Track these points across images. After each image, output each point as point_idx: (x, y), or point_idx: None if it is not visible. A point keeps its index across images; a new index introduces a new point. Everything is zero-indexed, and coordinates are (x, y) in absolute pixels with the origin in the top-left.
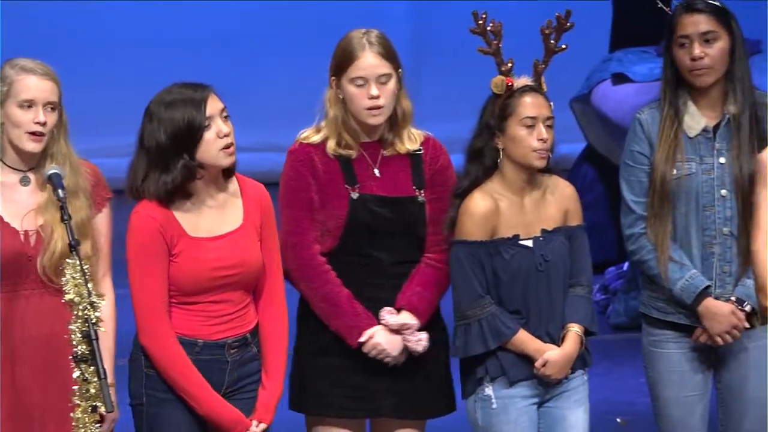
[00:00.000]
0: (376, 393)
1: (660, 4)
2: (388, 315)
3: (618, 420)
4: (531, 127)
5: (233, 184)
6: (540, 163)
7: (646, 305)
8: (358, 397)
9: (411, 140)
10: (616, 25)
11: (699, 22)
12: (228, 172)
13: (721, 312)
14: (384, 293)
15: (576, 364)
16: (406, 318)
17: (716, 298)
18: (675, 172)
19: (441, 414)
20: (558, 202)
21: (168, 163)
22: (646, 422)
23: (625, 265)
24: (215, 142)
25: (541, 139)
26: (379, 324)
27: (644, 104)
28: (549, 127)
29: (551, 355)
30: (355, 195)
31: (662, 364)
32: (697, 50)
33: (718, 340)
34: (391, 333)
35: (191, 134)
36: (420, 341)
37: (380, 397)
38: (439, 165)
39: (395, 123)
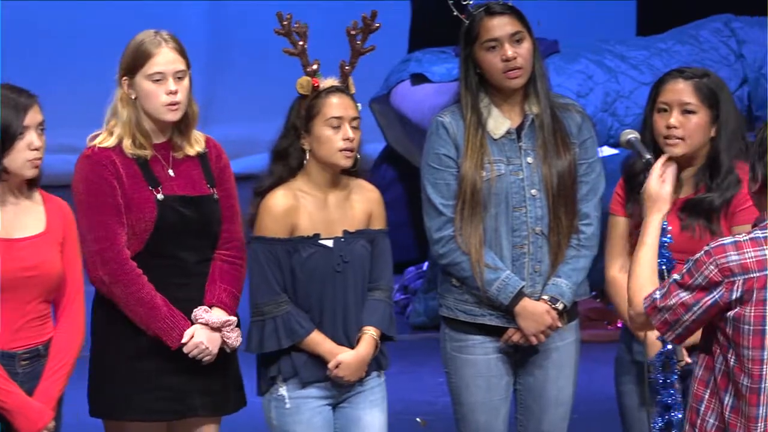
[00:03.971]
0: (190, 393)
1: (455, 12)
2: (205, 314)
3: (417, 420)
4: (337, 127)
5: (36, 194)
6: (346, 163)
7: (451, 309)
8: (173, 399)
9: (197, 142)
10: (414, 25)
11: (505, 24)
12: (32, 182)
13: (536, 311)
14: (190, 293)
15: (371, 367)
16: (223, 315)
17: (529, 298)
18: (484, 174)
19: (237, 409)
20: (362, 205)
21: None
22: (445, 421)
23: (425, 265)
24: (24, 152)
25: (347, 139)
26: (193, 324)
27: (442, 104)
28: (355, 128)
29: (344, 357)
30: (160, 196)
31: (468, 369)
32: (510, 51)
33: (533, 339)
34: (210, 331)
35: (4, 138)
36: (238, 337)
37: (194, 396)
38: (222, 163)
39: (184, 125)
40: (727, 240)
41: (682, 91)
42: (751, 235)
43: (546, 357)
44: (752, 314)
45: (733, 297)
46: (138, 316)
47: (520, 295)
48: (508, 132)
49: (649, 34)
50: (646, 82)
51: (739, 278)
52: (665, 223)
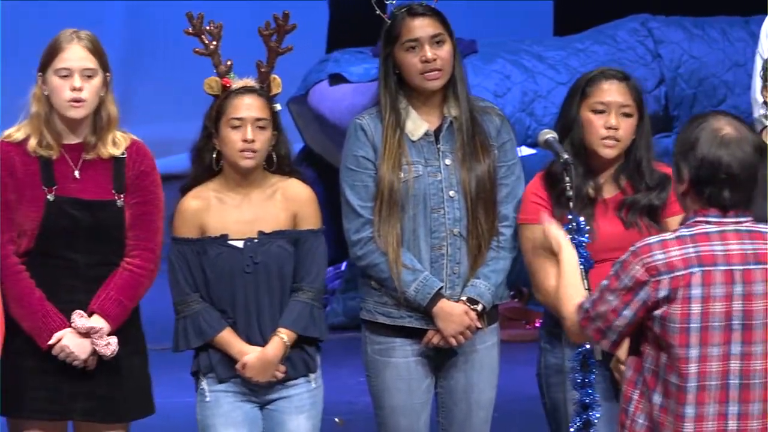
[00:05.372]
0: (70, 396)
1: (378, 11)
2: (78, 318)
3: (336, 420)
4: (238, 127)
5: None
6: (246, 163)
7: (371, 312)
8: (52, 400)
9: (115, 145)
10: (332, 26)
11: (426, 25)
12: None
13: (455, 312)
14: (79, 296)
15: (298, 371)
16: (95, 322)
17: (447, 299)
18: (402, 175)
19: (136, 418)
20: (286, 205)
21: None
22: (366, 421)
23: (343, 265)
24: None
25: (245, 140)
26: (71, 326)
27: (361, 104)
28: (262, 128)
29: (249, 359)
30: (51, 197)
31: (388, 373)
32: (430, 52)
33: (452, 341)
34: (79, 336)
35: None
36: (108, 345)
37: (74, 400)
38: (141, 170)
39: (99, 127)
40: (653, 239)
41: (620, 92)
42: (677, 234)
43: (466, 360)
44: (678, 312)
45: (660, 296)
46: (13, 312)
47: (438, 296)
48: (426, 134)
49: (567, 34)
50: (564, 81)
51: (665, 277)
52: (582, 222)
